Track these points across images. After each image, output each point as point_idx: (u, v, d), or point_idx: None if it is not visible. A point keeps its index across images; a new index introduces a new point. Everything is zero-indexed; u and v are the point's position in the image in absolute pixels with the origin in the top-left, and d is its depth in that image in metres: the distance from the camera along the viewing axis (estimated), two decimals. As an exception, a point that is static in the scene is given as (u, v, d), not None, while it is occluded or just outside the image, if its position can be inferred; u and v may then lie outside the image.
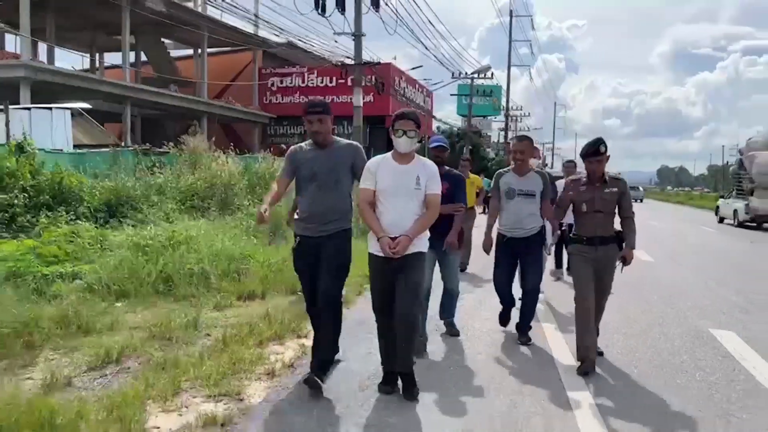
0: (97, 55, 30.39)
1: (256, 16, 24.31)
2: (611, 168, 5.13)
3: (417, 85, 35.39)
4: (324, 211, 4.19)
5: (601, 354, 5.00)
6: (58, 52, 27.01)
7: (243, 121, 30.31)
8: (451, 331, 5.64)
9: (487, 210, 6.71)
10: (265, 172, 14.19)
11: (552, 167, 40.42)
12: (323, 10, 18.15)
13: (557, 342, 5.56)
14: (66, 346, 4.76)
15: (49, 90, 19.60)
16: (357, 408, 3.84)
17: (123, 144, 17.48)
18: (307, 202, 4.25)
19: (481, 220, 6.38)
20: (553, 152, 69.10)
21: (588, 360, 4.71)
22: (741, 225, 22.32)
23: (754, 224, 21.92)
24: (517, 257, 5.55)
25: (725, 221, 24.43)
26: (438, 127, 39.44)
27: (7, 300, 5.30)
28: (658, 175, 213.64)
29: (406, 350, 3.97)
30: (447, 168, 5.22)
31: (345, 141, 4.42)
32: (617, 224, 4.94)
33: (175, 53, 31.39)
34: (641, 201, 49.54)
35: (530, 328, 5.65)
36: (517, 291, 5.72)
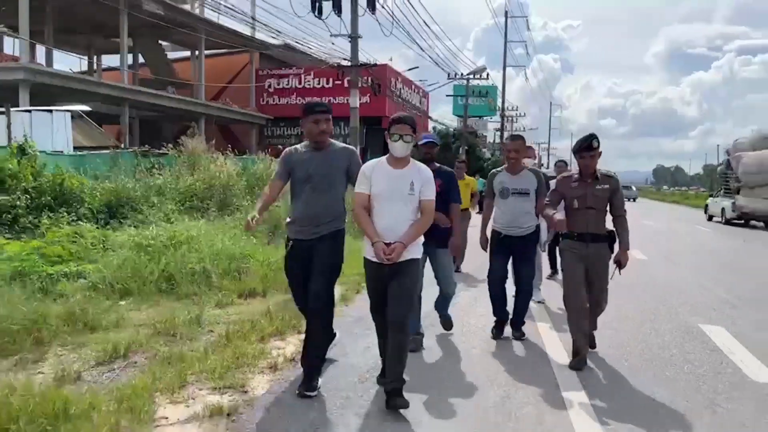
0: (95, 57, 30.48)
1: (253, 18, 24.42)
2: (607, 167, 5.18)
3: (413, 86, 35.56)
4: (317, 214, 4.19)
5: (593, 347, 5.11)
6: (56, 54, 27.10)
7: (240, 123, 30.47)
8: (446, 325, 5.70)
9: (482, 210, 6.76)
10: (263, 173, 14.34)
11: (547, 167, 40.66)
12: (320, 12, 18.31)
13: (551, 339, 5.68)
14: (74, 343, 4.90)
15: (47, 92, 19.74)
16: (357, 399, 3.99)
17: (123, 146, 17.58)
18: (301, 204, 4.24)
19: (476, 220, 6.50)
20: (548, 152, 69.32)
21: (581, 355, 4.84)
22: (728, 222, 23.37)
23: (742, 221, 22.88)
24: (511, 255, 5.59)
25: (714, 219, 25.40)
26: (434, 128, 39.58)
27: (16, 298, 5.44)
28: (653, 174, 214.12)
29: (397, 360, 3.84)
30: (438, 165, 5.23)
31: (341, 144, 4.44)
32: (609, 224, 4.96)
33: (172, 55, 31.51)
34: (634, 200, 49.78)
35: (523, 323, 5.75)
36: (510, 288, 5.83)
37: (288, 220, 4.39)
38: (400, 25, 36.10)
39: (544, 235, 6.93)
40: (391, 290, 3.89)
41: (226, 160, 14.20)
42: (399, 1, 53.33)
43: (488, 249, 5.69)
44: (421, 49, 25.85)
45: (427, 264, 5.22)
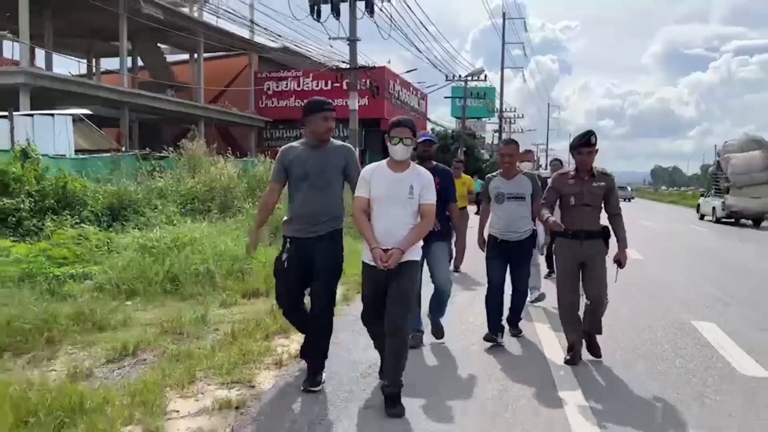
0: (94, 60, 30.63)
1: (251, 21, 24.58)
2: (605, 168, 5.19)
3: (411, 88, 35.73)
4: (315, 212, 4.16)
5: (598, 356, 5.03)
6: (56, 57, 27.23)
7: (239, 125, 30.61)
8: (437, 331, 5.49)
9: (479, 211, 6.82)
10: (263, 175, 14.50)
11: (545, 168, 40.82)
12: (318, 15, 18.46)
13: (548, 338, 5.78)
14: (83, 341, 5.06)
15: (47, 96, 19.88)
16: (359, 392, 4.16)
17: (124, 149, 17.73)
18: (298, 202, 4.21)
19: (474, 221, 6.62)
20: (546, 153, 69.52)
21: (575, 350, 4.96)
22: (718, 221, 24.33)
23: (732, 220, 23.80)
24: (508, 259, 5.56)
25: (705, 218, 26.35)
26: (432, 129, 39.77)
27: (26, 299, 5.60)
28: (651, 175, 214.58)
29: (395, 366, 3.86)
30: (435, 163, 5.26)
31: (338, 142, 4.40)
32: (603, 220, 4.98)
33: (170, 58, 31.65)
34: (629, 200, 49.99)
35: (520, 319, 5.87)
36: (508, 288, 5.84)
37: (285, 218, 4.36)
38: (398, 28, 36.26)
39: (541, 239, 6.95)
40: (389, 293, 3.90)
41: (226, 163, 14.34)
42: (397, 4, 53.41)
43: (485, 253, 5.65)
44: (419, 51, 26.07)
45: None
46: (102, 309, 5.76)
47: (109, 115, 23.49)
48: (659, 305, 7.38)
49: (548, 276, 8.88)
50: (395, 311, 3.86)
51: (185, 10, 27.72)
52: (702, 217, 26.88)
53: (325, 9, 18.41)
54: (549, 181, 6.08)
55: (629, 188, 60.39)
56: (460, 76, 35.63)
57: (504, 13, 45.52)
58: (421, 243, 4.09)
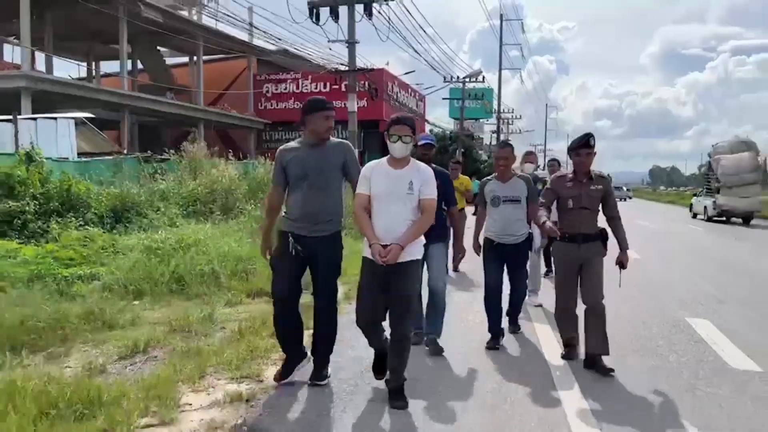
0: (94, 63, 30.78)
1: (250, 24, 24.75)
2: (603, 168, 5.25)
3: (410, 90, 35.91)
4: (316, 211, 4.15)
5: (611, 371, 4.70)
6: (56, 60, 27.36)
7: (239, 127, 30.76)
8: (434, 350, 5.22)
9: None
10: (263, 177, 14.66)
11: (544, 169, 41.08)
12: (317, 18, 18.61)
13: (545, 334, 5.91)
14: (94, 339, 5.21)
15: (47, 99, 20.01)
16: (364, 386, 4.31)
17: (126, 152, 17.88)
18: (299, 201, 4.19)
19: (472, 221, 6.73)
20: (545, 154, 69.68)
21: (571, 346, 5.10)
22: (710, 219, 25.55)
23: (723, 218, 24.95)
24: (505, 262, 5.60)
25: (698, 216, 27.58)
26: (431, 130, 39.94)
27: (38, 299, 5.76)
28: (649, 175, 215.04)
29: (398, 361, 3.97)
30: (434, 165, 5.09)
31: (336, 140, 4.37)
32: (601, 222, 4.98)
33: (170, 61, 31.81)
34: (624, 200, 50.27)
35: (519, 311, 5.99)
36: (507, 287, 5.91)
37: (283, 214, 4.33)
38: (397, 30, 36.39)
39: (537, 241, 6.99)
40: (392, 296, 3.95)
41: (227, 165, 14.50)
42: (395, 6, 53.61)
43: (482, 257, 5.67)
44: (417, 53, 26.28)
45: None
46: (111, 308, 5.91)
47: (109, 118, 23.64)
48: (655, 303, 7.54)
49: (547, 275, 9.01)
50: (397, 315, 3.95)
51: (184, 13, 27.88)
52: (695, 216, 28.04)
53: (324, 12, 18.55)
54: (547, 181, 6.16)
55: (624, 188, 60.81)
56: (458, 77, 35.84)
57: (501, 15, 45.78)
58: (423, 241, 4.09)
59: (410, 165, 4.04)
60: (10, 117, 13.17)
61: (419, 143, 5.28)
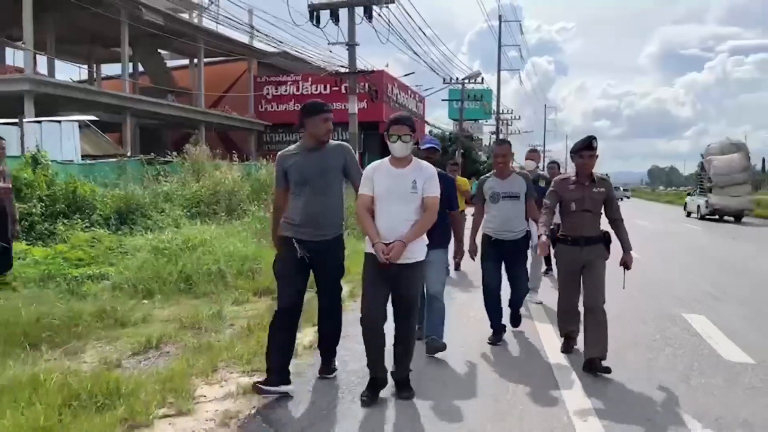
0: (95, 66, 30.93)
1: (251, 27, 24.92)
2: (602, 168, 5.31)
3: (409, 91, 36.09)
4: (318, 216, 4.15)
5: (608, 370, 4.68)
6: (57, 63, 27.52)
7: (239, 129, 30.93)
8: (433, 348, 5.13)
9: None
10: (266, 178, 14.85)
11: (542, 169, 41.25)
12: (318, 21, 18.78)
13: (546, 332, 6.00)
14: (108, 336, 5.37)
15: (50, 102, 20.17)
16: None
17: (129, 154, 18.05)
18: (300, 206, 4.16)
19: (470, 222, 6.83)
20: (544, 154, 69.82)
21: (569, 338, 5.21)
22: (703, 218, 26.51)
23: (716, 217, 25.82)
24: (503, 259, 5.64)
25: (692, 215, 28.58)
26: (430, 131, 40.12)
27: (51, 297, 5.93)
28: (648, 175, 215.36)
29: (403, 359, 4.12)
30: (438, 170, 5.25)
31: (335, 142, 4.36)
32: (603, 225, 5.01)
33: (170, 63, 31.98)
34: (622, 200, 50.51)
35: (521, 304, 5.99)
36: (505, 287, 5.92)
37: (284, 219, 4.29)
38: (396, 32, 36.53)
39: (535, 238, 7.12)
40: (395, 299, 4.04)
41: (231, 167, 14.67)
42: (394, 8, 53.73)
43: (480, 254, 5.70)
44: (416, 54, 26.33)
45: None
46: (122, 307, 6.08)
47: (111, 121, 23.79)
48: (653, 300, 7.69)
49: (546, 273, 9.16)
50: (405, 312, 4.07)
51: (185, 16, 28.06)
52: (689, 215, 29.14)
53: (324, 15, 18.72)
54: (549, 178, 6.19)
55: (621, 188, 61.24)
56: (457, 78, 36.03)
57: (500, 16, 45.96)
58: (426, 241, 4.09)
59: (412, 164, 4.06)
60: (16, 120, 13.32)
61: (423, 147, 5.35)
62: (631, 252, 4.95)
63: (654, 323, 6.44)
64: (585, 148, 4.82)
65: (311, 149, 4.20)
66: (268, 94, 32.23)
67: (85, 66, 30.36)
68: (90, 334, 5.36)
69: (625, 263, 4.89)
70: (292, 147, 4.36)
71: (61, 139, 14.48)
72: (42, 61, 26.41)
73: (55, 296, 6.19)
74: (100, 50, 29.09)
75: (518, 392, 4.35)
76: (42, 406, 3.41)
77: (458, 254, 5.30)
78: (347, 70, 20.22)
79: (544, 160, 23.64)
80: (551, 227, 5.03)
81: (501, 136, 44.68)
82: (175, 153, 16.16)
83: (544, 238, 4.83)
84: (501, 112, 48.29)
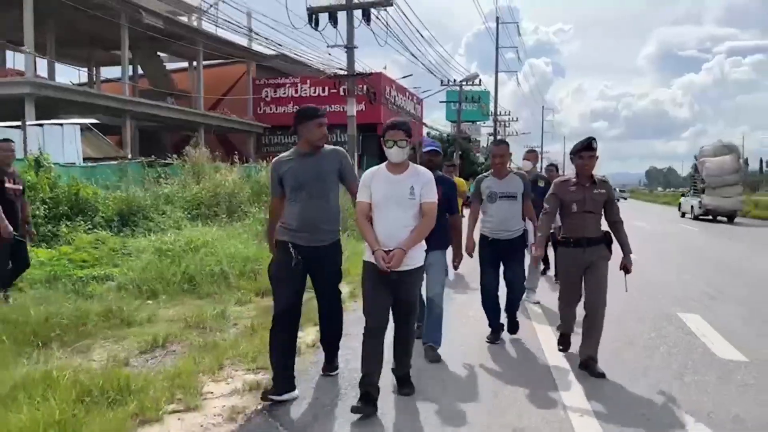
0: (94, 69, 31.03)
1: (249, 30, 25.03)
2: (600, 170, 5.31)
3: (407, 93, 36.23)
4: (315, 221, 4.14)
5: (603, 376, 4.72)
6: (57, 66, 27.60)
7: (238, 132, 31.04)
8: (432, 356, 5.12)
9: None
10: (266, 180, 14.94)
11: (541, 170, 41.33)
12: (316, 24, 18.91)
13: (545, 333, 6.07)
14: (114, 336, 5.48)
15: (50, 105, 20.26)
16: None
17: (130, 157, 18.16)
18: (297, 211, 4.15)
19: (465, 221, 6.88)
20: (542, 156, 70.03)
21: (565, 336, 5.30)
22: (696, 218, 27.33)
23: (709, 217, 26.63)
24: (500, 258, 5.65)
25: (686, 215, 29.49)
26: (428, 133, 40.27)
27: (59, 298, 6.04)
28: (646, 176, 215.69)
29: (404, 357, 4.21)
30: (439, 173, 5.31)
31: (329, 147, 4.31)
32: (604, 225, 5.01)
33: (169, 66, 32.08)
34: (618, 201, 50.82)
35: (518, 308, 5.86)
36: (503, 289, 5.93)
37: (281, 224, 4.29)
38: (394, 34, 36.74)
39: (532, 238, 7.19)
40: (394, 306, 4.04)
41: (231, 169, 14.77)
42: (392, 11, 53.84)
43: (478, 254, 5.73)
44: (414, 56, 26.51)
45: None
46: (128, 307, 6.19)
47: (110, 123, 23.90)
48: (650, 300, 7.81)
49: (544, 273, 9.27)
50: (404, 316, 4.11)
51: (184, 19, 28.18)
52: (683, 215, 30.03)
53: (323, 18, 18.85)
54: (548, 179, 6.22)
55: (618, 190, 61.62)
56: (454, 80, 36.20)
57: (498, 18, 46.14)
58: (425, 246, 4.09)
59: (409, 170, 4.03)
60: (18, 123, 13.43)
61: (424, 150, 5.40)
62: (631, 255, 4.97)
63: (650, 322, 6.56)
64: (585, 149, 4.83)
65: (306, 154, 4.19)
66: (266, 96, 32.36)
67: (85, 69, 30.46)
68: (97, 334, 5.47)
69: (625, 267, 4.91)
70: (286, 153, 4.33)
71: (63, 142, 14.58)
72: (42, 63, 26.55)
73: (62, 297, 6.29)
74: (99, 53, 29.18)
75: (516, 389, 4.45)
76: (56, 401, 3.52)
77: (457, 258, 5.31)
78: (346, 73, 20.36)
79: (542, 161, 23.80)
80: (551, 230, 5.10)
81: (499, 138, 44.88)
82: (175, 155, 16.27)
83: (539, 252, 5.03)
84: (499, 113, 48.47)
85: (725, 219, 26.54)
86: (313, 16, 18.79)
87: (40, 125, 14.63)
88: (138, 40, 24.42)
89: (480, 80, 38.17)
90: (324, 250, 4.18)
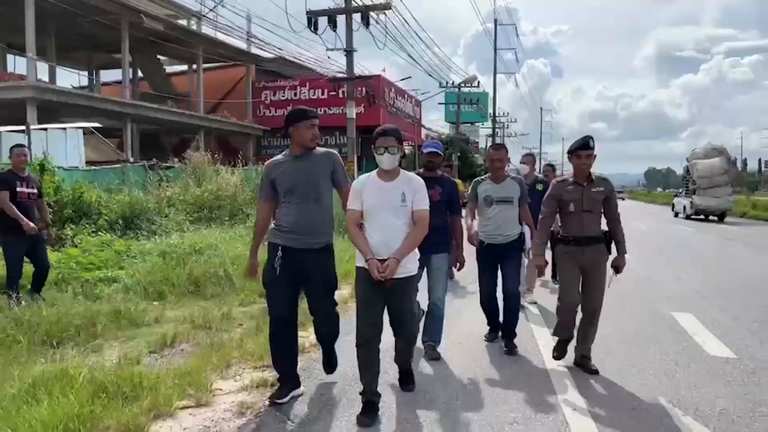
0: (94, 72, 31.22)
1: (248, 33, 25.24)
2: (598, 170, 5.28)
3: (406, 96, 36.41)
4: (308, 224, 4.12)
5: (596, 372, 4.89)
6: (57, 69, 27.78)
7: (238, 134, 31.23)
8: (431, 354, 5.29)
9: None
10: (264, 183, 15.11)
11: (539, 172, 41.48)
12: (315, 28, 19.09)
13: (540, 332, 6.28)
14: (124, 336, 5.67)
15: (51, 108, 20.43)
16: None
17: (132, 160, 18.34)
18: (291, 213, 4.14)
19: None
20: (540, 157, 70.31)
21: (562, 343, 5.12)
22: (688, 218, 28.71)
23: (701, 217, 28.04)
24: (497, 263, 5.63)
25: (679, 215, 30.75)
26: (427, 135, 40.46)
27: (68, 299, 6.22)
28: (645, 177, 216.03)
29: (405, 356, 4.30)
30: (441, 173, 5.35)
31: (322, 149, 4.29)
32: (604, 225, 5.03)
33: (169, 69, 32.27)
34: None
35: (515, 335, 5.63)
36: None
37: (272, 225, 4.29)
38: (393, 37, 36.92)
39: (529, 243, 6.89)
40: (394, 314, 4.03)
41: (233, 172, 14.95)
42: (391, 14, 53.90)
43: (476, 257, 5.73)
44: (413, 59, 26.60)
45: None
46: (135, 308, 6.37)
47: (111, 127, 24.07)
48: (644, 300, 8.00)
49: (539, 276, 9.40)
50: (401, 324, 4.09)
51: (184, 22, 28.38)
52: (676, 215, 31.33)
53: (322, 21, 19.02)
54: (546, 182, 6.28)
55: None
56: (453, 82, 36.40)
57: (496, 20, 46.35)
58: (418, 255, 4.08)
59: (400, 176, 4.00)
60: (23, 127, 13.61)
61: (425, 151, 5.41)
62: (625, 255, 4.98)
63: (644, 321, 6.74)
64: (582, 148, 4.82)
65: (298, 157, 4.18)
66: (266, 99, 32.54)
67: (85, 72, 30.65)
68: (107, 334, 5.65)
69: (617, 267, 4.92)
70: (279, 156, 4.32)
71: (66, 146, 14.75)
72: (43, 67, 26.72)
73: (71, 298, 6.47)
74: (99, 56, 29.39)
75: (511, 384, 4.64)
76: (74, 397, 3.70)
77: (458, 260, 5.30)
78: (345, 75, 20.53)
79: (540, 162, 23.93)
80: (551, 229, 5.11)
81: (497, 139, 45.07)
82: (175, 158, 16.46)
83: (540, 260, 5.06)
84: (497, 115, 48.68)
85: (716, 218, 27.79)
86: (313, 20, 18.96)
87: (45, 129, 14.80)
88: (138, 43, 24.62)
89: (478, 82, 38.38)
90: (316, 253, 4.15)
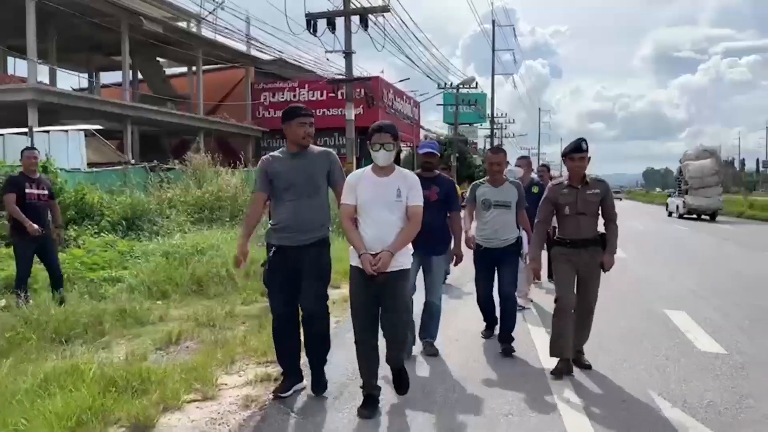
0: (94, 74, 31.34)
1: (247, 35, 25.39)
2: (597, 170, 5.38)
3: (404, 97, 36.54)
4: (305, 220, 4.15)
5: (589, 367, 5.01)
6: (57, 71, 27.89)
7: (238, 136, 31.34)
8: (429, 351, 5.37)
9: None
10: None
11: (536, 172, 41.60)
12: (315, 30, 19.24)
13: (537, 332, 6.33)
14: (129, 333, 5.83)
15: (52, 110, 20.53)
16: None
17: (134, 162, 18.47)
18: (285, 211, 4.17)
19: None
20: (538, 157, 70.49)
21: (563, 360, 4.91)
22: (681, 217, 29.95)
23: (693, 216, 29.22)
24: (494, 266, 5.64)
25: (672, 215, 31.79)
26: (426, 136, 40.59)
27: (74, 299, 6.37)
28: (643, 177, 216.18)
29: (398, 349, 4.16)
30: (438, 173, 5.36)
31: (318, 148, 4.34)
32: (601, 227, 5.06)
33: (169, 71, 32.38)
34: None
35: (512, 339, 5.58)
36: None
37: (270, 225, 4.34)
38: (391, 39, 36.98)
39: (526, 247, 6.82)
40: (383, 310, 3.99)
41: (234, 173, 15.08)
42: (390, 16, 53.98)
43: (473, 260, 5.74)
44: (411, 60, 26.73)
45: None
46: (140, 307, 6.51)
47: (111, 128, 24.19)
48: (638, 297, 8.16)
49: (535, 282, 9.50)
50: (393, 326, 4.04)
51: (183, 24, 28.52)
52: (670, 214, 32.43)
53: (321, 24, 19.17)
54: (543, 184, 6.36)
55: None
56: (451, 83, 36.55)
57: (494, 21, 46.50)
58: (411, 250, 4.08)
59: (395, 172, 4.03)
60: (25, 130, 13.76)
61: (421, 151, 5.40)
62: (614, 255, 4.98)
63: (637, 319, 6.89)
64: (574, 151, 4.83)
65: (296, 154, 4.22)
66: (265, 100, 32.66)
67: (85, 75, 30.76)
68: (114, 332, 5.80)
69: (602, 264, 4.91)
70: (276, 152, 4.37)
71: (68, 148, 14.89)
72: (43, 69, 26.83)
73: (77, 298, 6.61)
74: (99, 58, 29.49)
75: (507, 378, 4.79)
76: (85, 390, 3.84)
77: (456, 258, 5.33)
78: (344, 77, 20.69)
79: (538, 162, 24.05)
80: (548, 229, 5.17)
81: (495, 140, 45.27)
82: (176, 160, 16.60)
83: (536, 264, 5.12)
84: (495, 115, 48.83)
85: (708, 217, 28.99)
86: (312, 22, 19.11)
87: (47, 131, 14.94)
88: (138, 45, 24.74)
89: (477, 83, 38.56)
90: (310, 248, 4.16)
